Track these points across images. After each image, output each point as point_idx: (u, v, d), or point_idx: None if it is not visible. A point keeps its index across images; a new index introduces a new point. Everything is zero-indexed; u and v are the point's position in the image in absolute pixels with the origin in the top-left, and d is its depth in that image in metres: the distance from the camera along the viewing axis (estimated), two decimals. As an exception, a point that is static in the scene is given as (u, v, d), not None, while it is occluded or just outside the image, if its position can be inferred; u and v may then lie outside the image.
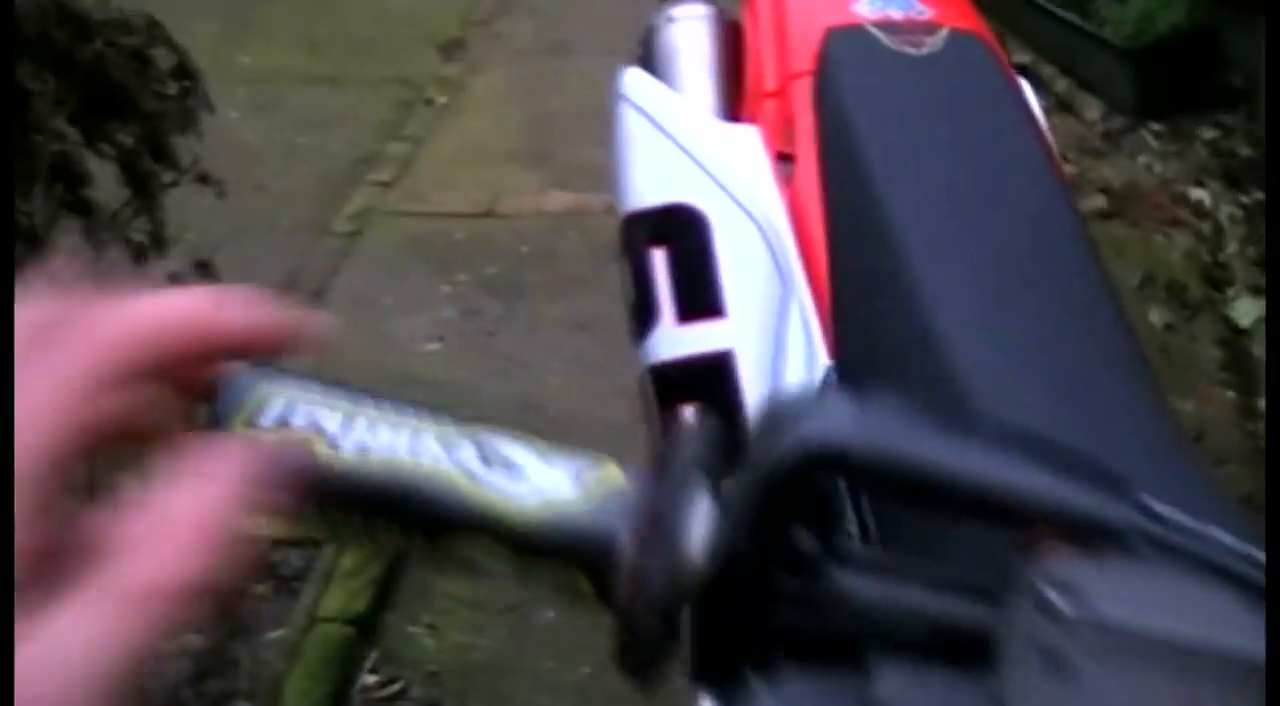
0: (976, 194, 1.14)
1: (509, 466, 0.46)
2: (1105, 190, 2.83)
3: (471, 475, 0.45)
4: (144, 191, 1.51)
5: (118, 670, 0.37)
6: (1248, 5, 2.79)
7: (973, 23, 1.31)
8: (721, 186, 1.24)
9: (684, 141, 1.29)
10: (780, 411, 0.48)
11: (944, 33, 1.25)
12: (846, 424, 0.46)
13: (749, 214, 1.21)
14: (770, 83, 1.29)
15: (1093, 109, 3.08)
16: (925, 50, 1.23)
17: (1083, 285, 1.07)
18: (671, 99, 1.34)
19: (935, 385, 0.98)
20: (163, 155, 1.50)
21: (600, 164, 3.05)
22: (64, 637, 0.37)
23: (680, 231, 1.25)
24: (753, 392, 1.18)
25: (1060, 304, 1.05)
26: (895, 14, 1.28)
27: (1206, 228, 2.73)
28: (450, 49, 3.62)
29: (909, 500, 0.49)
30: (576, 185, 3.03)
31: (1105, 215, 2.74)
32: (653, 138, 1.31)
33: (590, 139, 3.16)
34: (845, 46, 1.24)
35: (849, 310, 1.11)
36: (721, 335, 1.20)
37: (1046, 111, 1.31)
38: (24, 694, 0.36)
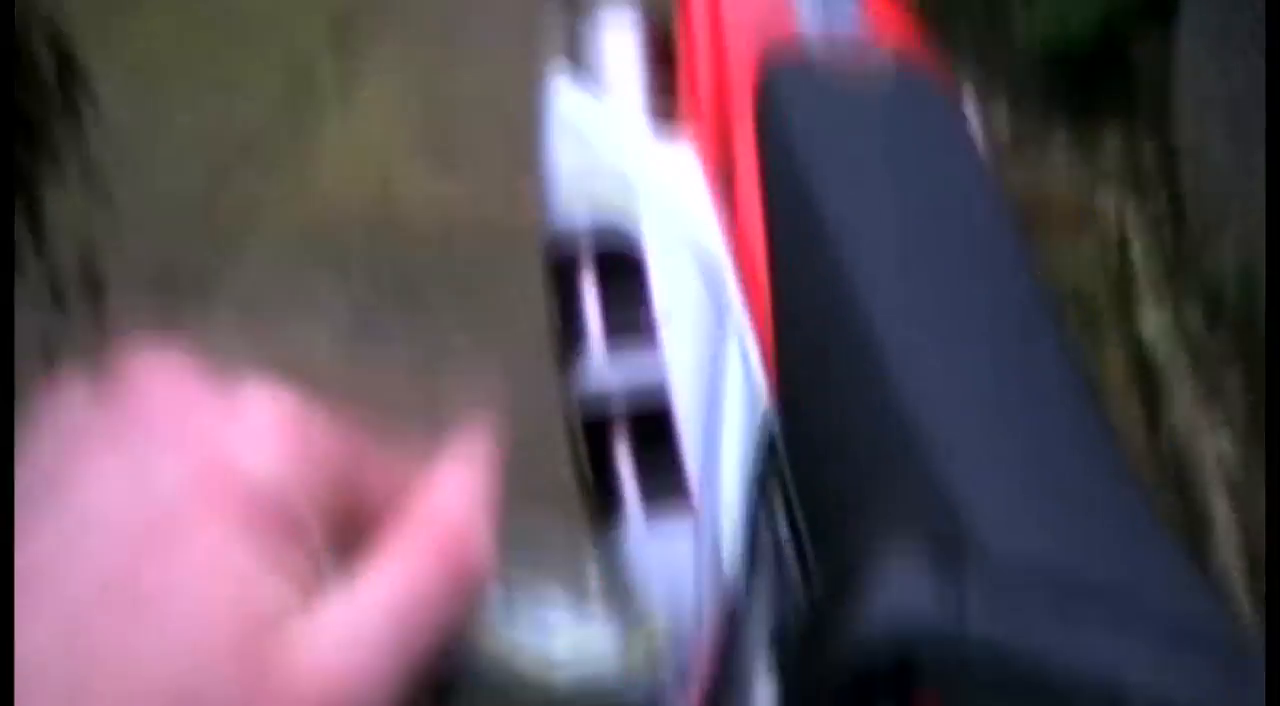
0: (923, 228, 1.09)
1: (537, 617, 0.39)
2: (1013, 196, 2.80)
3: (493, 627, 0.38)
4: (21, 188, 1.40)
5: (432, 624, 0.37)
6: (1159, 10, 2.79)
7: (915, 41, 1.26)
8: (656, 208, 1.18)
9: (615, 159, 1.22)
10: (856, 576, 0.41)
11: (888, 54, 1.20)
12: (949, 607, 0.38)
13: (685, 239, 1.15)
14: (705, 98, 1.23)
15: (1000, 112, 3.05)
16: (870, 73, 1.18)
17: (1040, 338, 1.03)
18: (602, 113, 1.27)
19: (887, 440, 0.92)
20: (40, 147, 1.39)
21: (498, 152, 3.00)
22: (381, 591, 0.37)
23: (610, 255, 1.18)
24: (688, 430, 1.13)
25: (1019, 360, 1.00)
26: (838, 29, 1.23)
27: (1113, 235, 2.71)
28: (339, 30, 3.50)
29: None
30: (473, 175, 2.94)
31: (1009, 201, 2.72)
32: (582, 153, 1.24)
33: (487, 126, 3.09)
34: (786, 63, 1.18)
35: (793, 351, 1.05)
36: (654, 367, 1.14)
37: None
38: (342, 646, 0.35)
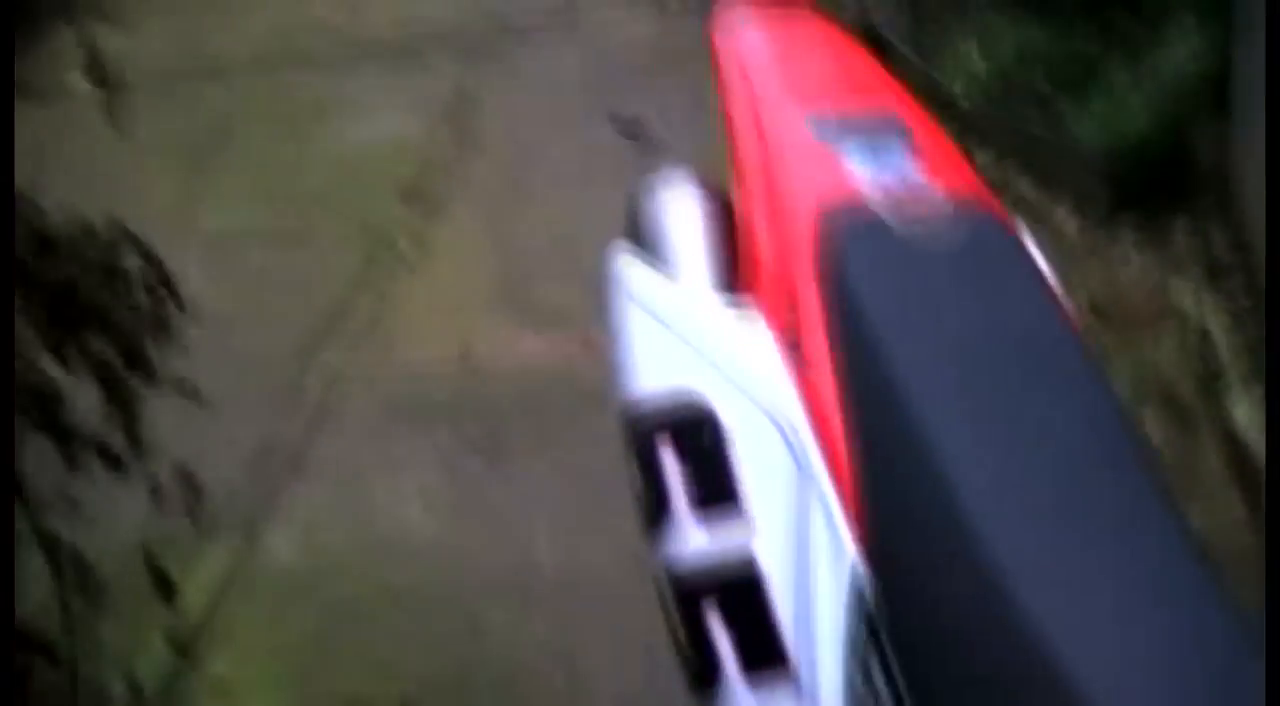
0: (1002, 381, 1.08)
1: None
2: (1084, 295, 2.80)
3: None
4: (119, 401, 1.45)
5: None
6: (1210, 99, 2.79)
7: (972, 186, 1.27)
8: (729, 377, 1.20)
9: (686, 330, 1.24)
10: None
11: (948, 204, 1.20)
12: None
13: (760, 404, 1.17)
14: (768, 261, 1.25)
15: (1062, 211, 3.06)
16: (931, 225, 1.18)
17: (1124, 468, 1.02)
18: (669, 285, 1.30)
19: (973, 587, 0.92)
20: (138, 365, 1.45)
21: (572, 304, 3.05)
22: None
23: (689, 424, 1.20)
24: (778, 590, 1.13)
25: (1106, 500, 0.99)
26: (893, 184, 1.24)
27: (1192, 329, 2.70)
28: (412, 195, 3.59)
29: None
30: (550, 329, 2.99)
31: (1085, 321, 2.71)
32: (653, 327, 1.26)
33: (559, 279, 3.15)
34: (847, 223, 1.19)
35: (878, 508, 1.06)
36: (740, 531, 1.15)
37: (1018, 212, 1.27)
38: None
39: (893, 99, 1.42)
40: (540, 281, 3.15)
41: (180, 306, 1.57)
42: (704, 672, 1.14)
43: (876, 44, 3.37)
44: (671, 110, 3.76)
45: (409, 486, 2.61)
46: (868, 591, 1.02)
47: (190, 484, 1.55)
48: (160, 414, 1.87)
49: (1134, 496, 0.98)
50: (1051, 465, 0.99)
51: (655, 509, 1.19)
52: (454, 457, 2.67)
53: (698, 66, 3.95)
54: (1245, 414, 2.45)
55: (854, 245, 1.18)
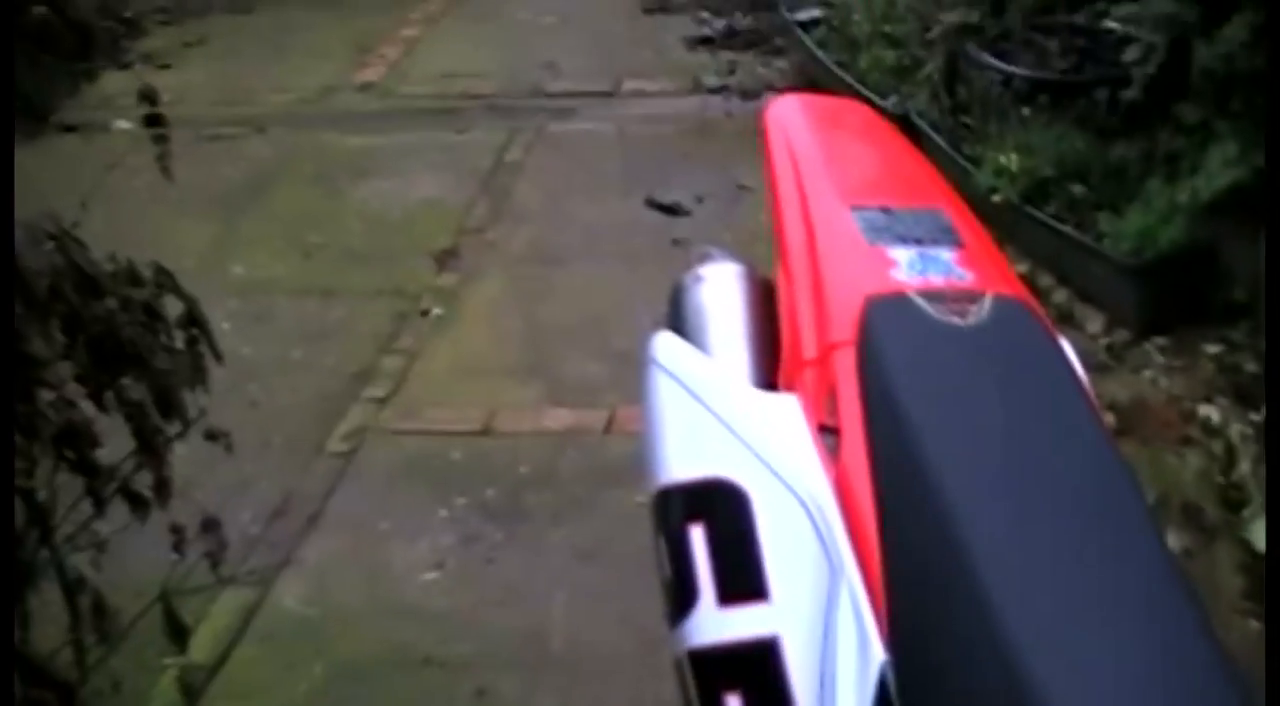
0: (1035, 474, 1.09)
1: None
2: (1112, 407, 2.80)
3: None
4: (150, 447, 1.46)
5: None
6: (1248, 218, 2.80)
7: (1013, 286, 1.28)
8: (762, 460, 1.19)
9: (721, 411, 1.24)
10: None
11: (987, 300, 1.21)
12: None
13: (792, 490, 1.16)
14: (809, 350, 1.25)
15: (1094, 322, 3.07)
16: (970, 320, 1.19)
17: (1149, 568, 1.02)
18: (705, 365, 1.29)
19: (1002, 692, 0.92)
20: (170, 410, 1.45)
21: (597, 378, 3.06)
22: None
23: (719, 507, 1.19)
24: (801, 684, 1.12)
25: (1128, 595, 0.99)
26: (936, 280, 1.25)
27: (1218, 446, 2.69)
28: (445, 258, 3.61)
29: None
30: (574, 401, 2.99)
31: (1114, 433, 2.70)
32: (686, 406, 1.26)
33: (586, 351, 3.16)
34: (889, 316, 1.20)
35: (905, 600, 1.05)
36: (766, 620, 1.14)
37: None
38: None
39: (938, 194, 1.43)
40: (568, 353, 3.16)
41: (217, 355, 1.58)
42: (723, 760, 1.13)
43: (917, 138, 3.40)
44: (706, 186, 3.80)
45: (424, 548, 2.61)
46: (893, 688, 1.01)
47: (213, 530, 1.55)
48: (183, 459, 1.88)
49: (1162, 595, 0.99)
50: (1083, 565, 0.99)
51: (682, 595, 1.18)
52: (471, 523, 2.67)
53: (732, 144, 4.01)
54: (1265, 533, 2.43)
55: (896, 340, 1.18)
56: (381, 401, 3.06)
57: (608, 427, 2.89)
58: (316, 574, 2.56)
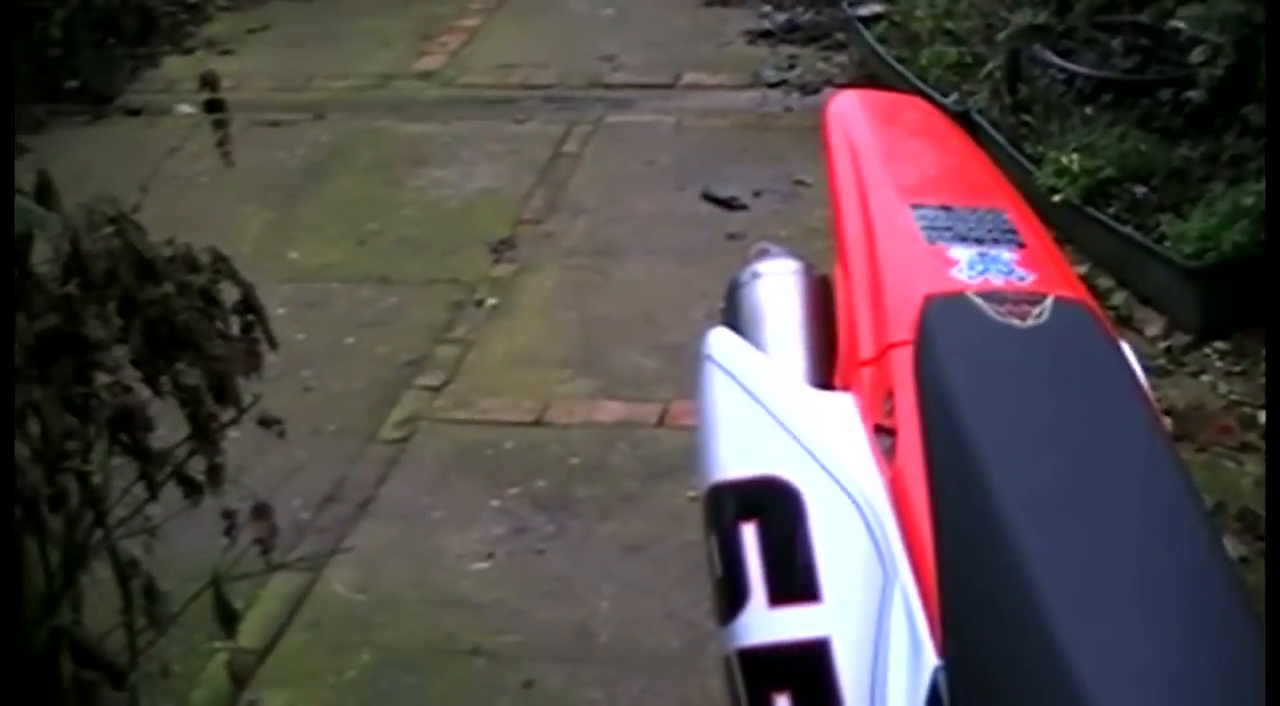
0: (1092, 479, 1.08)
1: None
2: (1170, 411, 2.77)
3: None
4: (204, 432, 1.46)
5: None
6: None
7: (1074, 288, 1.26)
8: (816, 460, 1.18)
9: (775, 409, 1.23)
10: None
11: (1048, 303, 1.20)
12: None
13: (846, 491, 1.15)
14: (866, 350, 1.24)
15: (1154, 325, 3.03)
16: (1030, 322, 1.18)
17: (1205, 575, 1.00)
18: (761, 363, 1.29)
19: (1053, 697, 0.91)
20: (225, 397, 1.46)
21: (651, 371, 3.05)
22: None
23: (771, 506, 1.18)
24: (851, 687, 1.11)
25: (1183, 604, 0.98)
26: (996, 281, 1.23)
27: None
28: (500, 248, 3.61)
29: None
30: (627, 394, 2.99)
31: (1172, 438, 2.67)
32: (741, 404, 1.25)
33: (640, 345, 3.16)
34: (948, 317, 1.19)
35: (959, 605, 1.04)
36: (817, 621, 1.13)
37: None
38: None
39: (999, 194, 1.42)
40: (622, 345, 3.15)
41: (272, 342, 1.59)
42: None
43: (977, 136, 3.37)
44: (764, 181, 3.78)
45: (474, 538, 2.61)
46: (945, 694, 1.00)
47: (264, 516, 1.55)
48: (235, 443, 1.89)
49: (1219, 604, 0.97)
50: (1139, 573, 0.98)
51: (733, 594, 1.17)
52: (521, 514, 2.67)
53: (790, 139, 3.99)
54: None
55: (955, 340, 1.17)
56: (435, 390, 3.06)
57: (660, 421, 2.88)
58: (366, 561, 2.57)
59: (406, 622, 2.43)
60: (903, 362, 1.17)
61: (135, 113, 4.50)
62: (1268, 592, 1.03)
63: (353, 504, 2.72)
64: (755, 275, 1.40)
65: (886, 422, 1.16)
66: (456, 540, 2.62)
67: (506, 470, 2.79)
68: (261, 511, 1.56)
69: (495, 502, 2.70)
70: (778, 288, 1.38)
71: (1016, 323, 1.16)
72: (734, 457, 1.22)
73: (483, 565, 2.55)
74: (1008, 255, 1.26)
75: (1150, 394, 1.18)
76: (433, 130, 4.30)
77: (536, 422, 2.93)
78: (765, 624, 1.14)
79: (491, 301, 3.39)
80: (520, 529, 2.63)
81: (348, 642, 2.39)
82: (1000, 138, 3.45)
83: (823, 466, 1.16)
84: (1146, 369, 2.92)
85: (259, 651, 2.36)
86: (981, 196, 1.39)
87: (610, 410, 2.96)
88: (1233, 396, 2.84)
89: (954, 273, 1.23)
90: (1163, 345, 2.99)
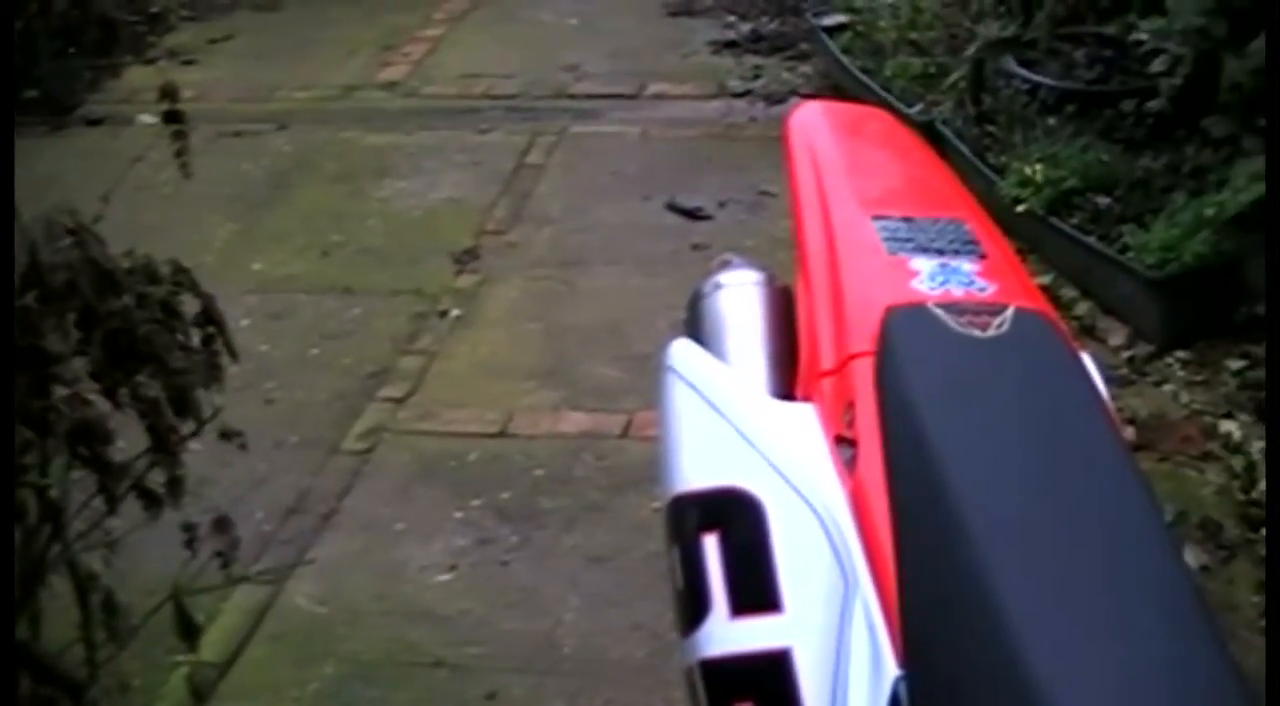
0: (1052, 489, 1.08)
1: None
2: (1132, 421, 2.78)
3: None
4: (164, 445, 1.45)
5: None
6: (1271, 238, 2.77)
7: (1034, 299, 1.27)
8: (778, 470, 1.18)
9: (737, 420, 1.23)
10: None
11: (1009, 313, 1.20)
12: None
13: (807, 501, 1.15)
14: (827, 360, 1.24)
15: (1117, 335, 3.04)
16: (991, 333, 1.18)
17: (1164, 585, 1.01)
18: (722, 374, 1.29)
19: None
20: (186, 409, 1.45)
21: (615, 382, 3.04)
22: None
23: (733, 517, 1.18)
24: (812, 697, 1.11)
25: (1142, 613, 0.98)
26: (956, 292, 1.24)
27: (1239, 463, 2.67)
28: (464, 259, 3.60)
29: None
30: (592, 405, 2.98)
31: (1134, 448, 2.68)
32: (703, 415, 1.25)
33: (605, 356, 3.15)
34: (909, 327, 1.19)
35: (920, 615, 1.04)
36: (778, 631, 1.13)
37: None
38: None
39: (961, 205, 1.42)
40: (586, 356, 3.15)
41: (233, 354, 1.58)
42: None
43: (941, 146, 3.38)
44: (729, 191, 3.79)
45: (438, 550, 2.61)
46: (905, 703, 1.00)
47: (226, 529, 1.54)
48: (197, 456, 1.87)
49: (1178, 614, 0.98)
50: (1099, 583, 0.99)
51: (695, 605, 1.17)
52: (485, 525, 2.66)
53: (755, 149, 4.00)
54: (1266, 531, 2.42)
55: (916, 351, 1.18)
56: (399, 401, 3.05)
57: (625, 432, 2.88)
58: (329, 573, 2.56)
59: (369, 635, 2.42)
60: (864, 373, 1.17)
61: (96, 123, 4.48)
62: (1268, 591, 1.03)
63: (316, 516, 2.71)
64: (717, 286, 1.40)
65: (847, 433, 1.17)
66: (420, 552, 2.61)
67: (470, 481, 2.78)
68: (223, 524, 1.55)
69: (459, 514, 2.69)
70: (739, 299, 1.38)
71: (977, 333, 1.17)
72: (695, 469, 1.22)
73: (446, 577, 2.54)
74: (969, 266, 1.27)
75: (1110, 403, 1.19)
76: (397, 140, 4.28)
77: (500, 434, 2.92)
78: (727, 634, 1.14)
79: (455, 312, 3.38)
80: (484, 540, 2.62)
81: (310, 655, 2.37)
82: (965, 148, 3.46)
83: (784, 477, 1.17)
84: (1109, 379, 2.94)
85: (220, 665, 2.34)
86: (943, 207, 1.39)
87: (575, 421, 2.95)
88: (1194, 406, 2.85)
89: (915, 283, 1.23)
90: (1125, 355, 3.00)
